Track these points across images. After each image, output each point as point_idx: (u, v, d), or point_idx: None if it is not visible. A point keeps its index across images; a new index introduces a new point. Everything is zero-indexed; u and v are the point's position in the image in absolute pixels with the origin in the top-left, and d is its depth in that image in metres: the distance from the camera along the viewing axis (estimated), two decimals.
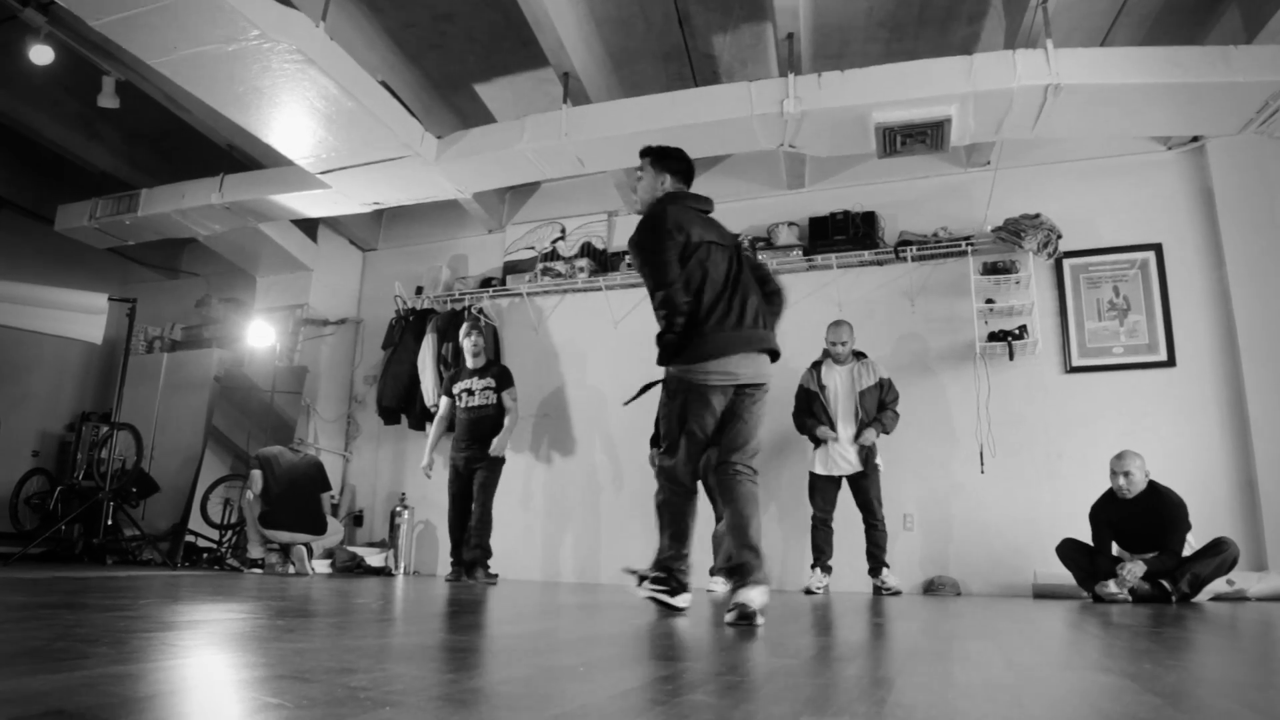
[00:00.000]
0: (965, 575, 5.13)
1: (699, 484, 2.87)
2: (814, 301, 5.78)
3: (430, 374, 6.37)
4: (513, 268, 6.86)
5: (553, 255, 6.75)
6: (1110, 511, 4.21)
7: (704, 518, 3.19)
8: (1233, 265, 5.01)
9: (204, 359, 7.06)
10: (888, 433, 4.87)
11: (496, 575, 5.32)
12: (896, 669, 1.55)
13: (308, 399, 6.76)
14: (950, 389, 5.44)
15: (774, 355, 2.80)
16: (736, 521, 2.63)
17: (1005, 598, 4.73)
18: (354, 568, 6.01)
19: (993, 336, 5.27)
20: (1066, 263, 5.38)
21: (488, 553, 5.22)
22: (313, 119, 4.60)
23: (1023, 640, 2.17)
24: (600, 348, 6.38)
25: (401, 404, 6.55)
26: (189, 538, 6.09)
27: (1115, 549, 4.23)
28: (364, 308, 7.46)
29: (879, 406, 4.86)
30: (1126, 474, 4.13)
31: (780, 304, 2.95)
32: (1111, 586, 3.99)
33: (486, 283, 6.88)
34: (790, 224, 5.97)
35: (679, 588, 2.78)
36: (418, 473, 5.70)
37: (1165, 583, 3.97)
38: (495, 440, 5.22)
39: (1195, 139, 5.24)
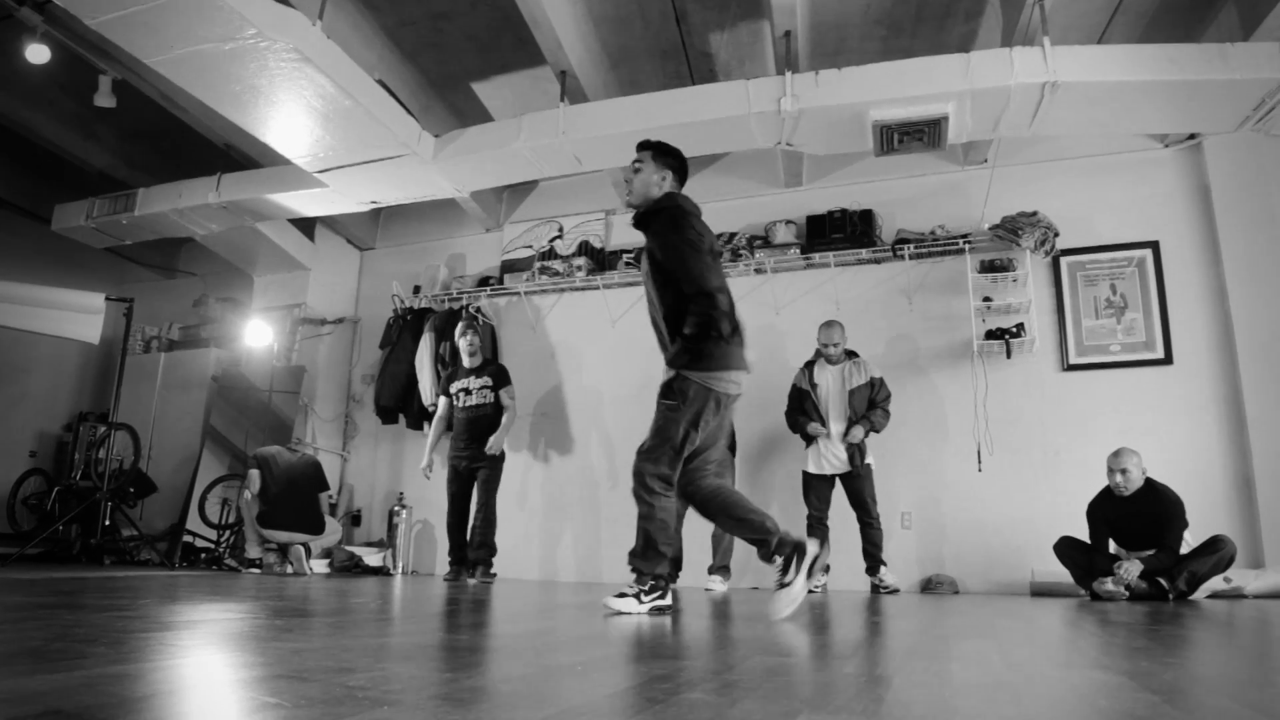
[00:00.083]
0: (963, 573, 5.14)
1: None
2: (811, 300, 5.79)
3: (428, 373, 6.37)
4: (510, 267, 6.86)
5: (550, 254, 6.75)
6: (1107, 509, 4.22)
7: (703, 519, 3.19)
8: (1230, 262, 5.02)
9: (201, 359, 7.05)
10: (877, 431, 4.88)
11: (495, 574, 5.32)
12: (894, 667, 1.55)
13: (305, 398, 6.75)
14: (948, 387, 5.44)
15: None
16: (735, 510, 2.71)
17: (1003, 596, 4.74)
18: (352, 567, 6.01)
19: (990, 335, 5.28)
20: (1064, 260, 5.38)
21: (492, 550, 5.23)
22: (310, 118, 4.60)
23: (1020, 638, 2.17)
24: (597, 346, 6.38)
25: (399, 403, 6.55)
26: (187, 538, 6.08)
27: (1113, 547, 4.24)
28: (361, 307, 7.45)
29: (869, 405, 4.86)
30: (1124, 471, 4.13)
31: None
32: (1109, 584, 4.00)
33: (484, 282, 6.88)
34: (788, 222, 5.97)
35: (665, 588, 2.80)
36: (416, 472, 5.69)
37: (1163, 580, 3.98)
38: (492, 438, 5.20)
39: (1192, 136, 5.25)
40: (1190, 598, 3.98)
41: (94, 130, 6.59)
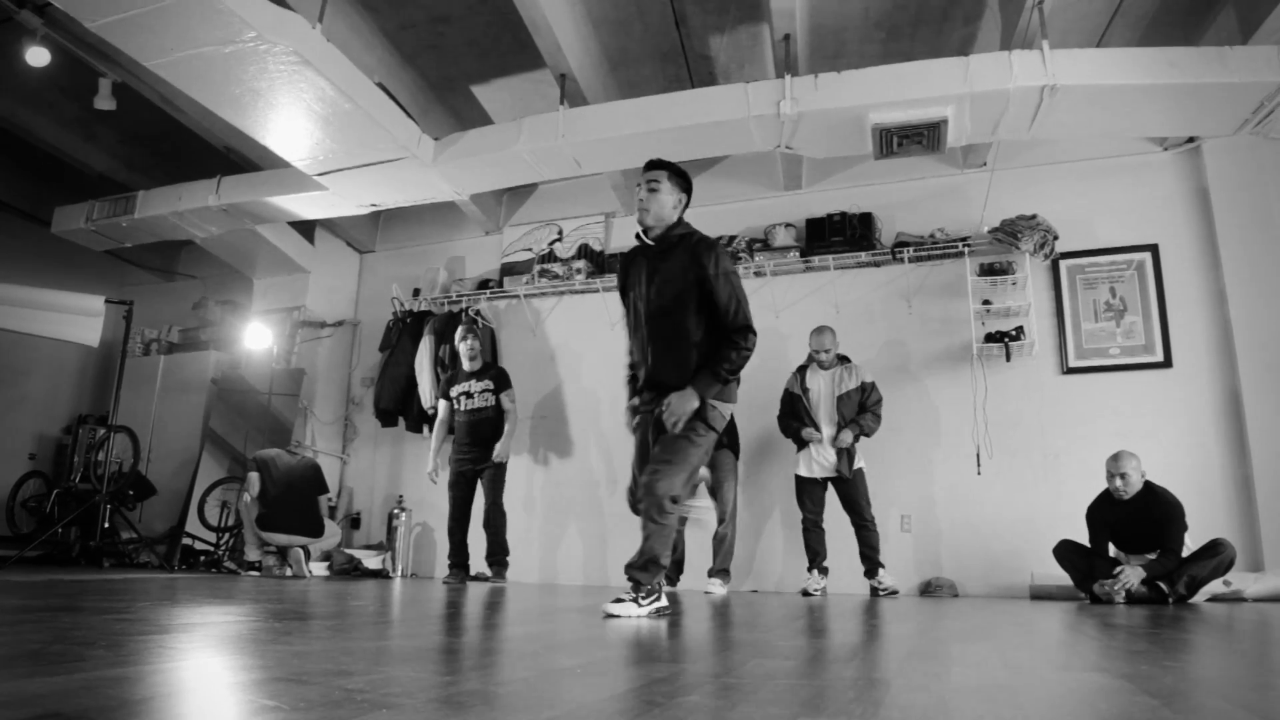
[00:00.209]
0: (962, 576, 5.14)
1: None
2: (811, 303, 5.80)
3: (428, 376, 6.37)
4: (510, 269, 6.86)
5: (550, 257, 6.75)
6: (1107, 512, 4.22)
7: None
8: (1229, 265, 5.03)
9: (201, 361, 7.05)
10: (868, 435, 4.88)
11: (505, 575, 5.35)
12: (894, 670, 1.55)
13: (305, 401, 6.75)
14: (947, 390, 5.44)
15: None
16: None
17: (1002, 599, 4.74)
18: (351, 570, 6.00)
19: (989, 338, 5.28)
20: (1063, 264, 5.39)
21: (505, 549, 5.26)
22: (310, 121, 4.60)
23: (1020, 641, 2.17)
24: (597, 349, 6.38)
25: (399, 406, 6.55)
26: (186, 540, 6.08)
27: (1112, 550, 4.24)
28: (361, 310, 7.45)
29: (859, 409, 4.86)
30: (1123, 475, 4.13)
31: None
32: (1109, 586, 3.99)
33: (484, 284, 6.88)
34: (787, 225, 5.97)
35: (663, 591, 2.84)
36: (415, 475, 5.69)
37: (1162, 584, 3.98)
38: (498, 446, 5.24)
39: (1191, 139, 5.25)
40: (1190, 601, 3.98)
41: (94, 133, 6.60)
